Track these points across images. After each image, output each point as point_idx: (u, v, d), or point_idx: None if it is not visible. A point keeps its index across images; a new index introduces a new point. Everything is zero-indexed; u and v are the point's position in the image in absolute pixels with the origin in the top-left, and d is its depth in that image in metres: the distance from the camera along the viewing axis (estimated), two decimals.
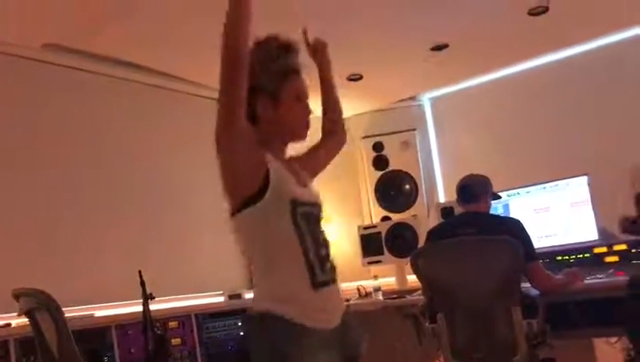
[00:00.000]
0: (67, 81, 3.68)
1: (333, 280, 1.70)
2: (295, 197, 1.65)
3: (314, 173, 1.90)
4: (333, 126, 2.01)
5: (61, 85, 3.66)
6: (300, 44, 1.81)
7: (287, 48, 1.75)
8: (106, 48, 3.61)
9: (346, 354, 1.69)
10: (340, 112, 2.04)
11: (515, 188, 3.83)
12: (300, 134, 1.79)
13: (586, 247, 3.48)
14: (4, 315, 2.89)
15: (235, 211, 1.62)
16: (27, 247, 3.28)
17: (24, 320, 2.41)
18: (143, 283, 2.86)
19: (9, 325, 2.87)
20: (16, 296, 2.27)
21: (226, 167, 1.60)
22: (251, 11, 1.54)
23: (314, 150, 1.95)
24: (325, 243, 1.72)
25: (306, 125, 1.79)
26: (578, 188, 3.62)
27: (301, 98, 1.77)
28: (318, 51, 1.96)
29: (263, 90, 1.71)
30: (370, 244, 4.43)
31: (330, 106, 2.02)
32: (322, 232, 1.73)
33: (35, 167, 3.46)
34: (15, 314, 2.45)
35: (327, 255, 1.71)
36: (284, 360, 1.57)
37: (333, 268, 1.71)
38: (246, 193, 1.60)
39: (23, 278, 2.55)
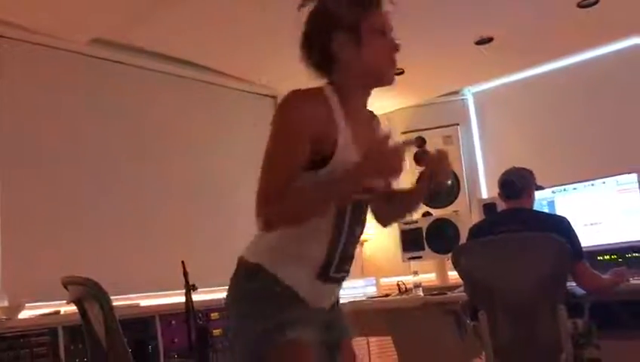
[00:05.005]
0: (116, 75, 3.77)
1: (340, 280, 1.56)
2: None
3: None
4: (384, 216, 1.73)
5: (113, 79, 3.75)
6: None
7: None
8: (150, 42, 3.66)
9: (325, 337, 1.54)
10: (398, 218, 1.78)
11: (560, 185, 3.74)
12: (387, 76, 1.50)
13: (635, 246, 3.39)
14: (53, 303, 2.98)
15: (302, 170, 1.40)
16: (76, 236, 3.38)
17: (73, 308, 2.47)
18: (185, 274, 2.89)
19: (58, 312, 2.96)
20: (66, 284, 2.33)
21: None
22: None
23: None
24: (356, 242, 1.55)
25: (393, 63, 1.49)
26: (627, 185, 3.51)
27: (386, 31, 1.48)
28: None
29: (340, 25, 1.42)
30: (411, 240, 4.39)
31: (398, 210, 1.73)
32: (361, 227, 1.55)
33: (80, 160, 3.55)
34: (64, 301, 2.51)
35: (352, 256, 1.55)
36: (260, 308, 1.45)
37: (348, 270, 1.55)
38: (313, 157, 1.40)
39: (71, 266, 2.63)
